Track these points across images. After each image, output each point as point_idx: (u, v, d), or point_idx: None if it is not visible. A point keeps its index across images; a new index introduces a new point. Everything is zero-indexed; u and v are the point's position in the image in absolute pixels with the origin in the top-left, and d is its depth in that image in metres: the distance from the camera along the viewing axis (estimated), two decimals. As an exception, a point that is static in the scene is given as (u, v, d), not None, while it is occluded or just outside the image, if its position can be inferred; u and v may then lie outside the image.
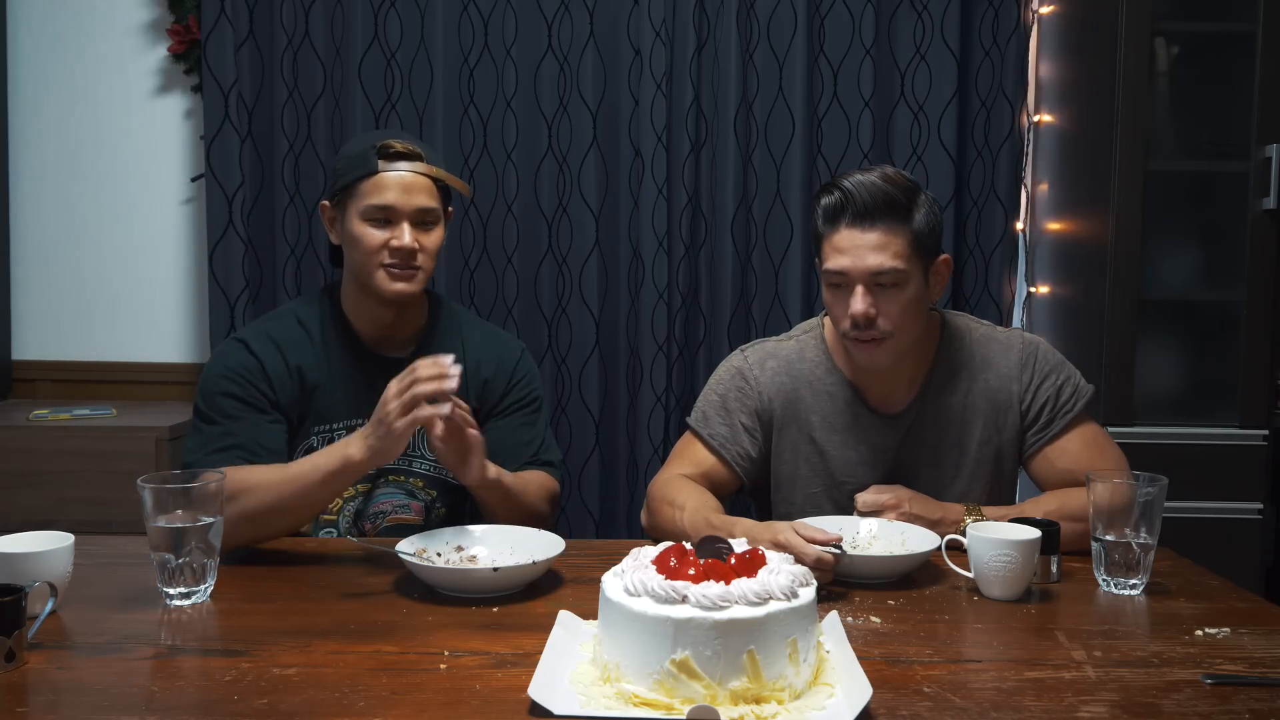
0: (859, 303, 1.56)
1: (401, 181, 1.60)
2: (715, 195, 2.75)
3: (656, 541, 1.43)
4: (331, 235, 1.69)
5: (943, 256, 1.65)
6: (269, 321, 1.70)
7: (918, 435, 1.71)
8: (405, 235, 1.60)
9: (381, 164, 1.60)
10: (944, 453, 1.71)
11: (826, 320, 1.76)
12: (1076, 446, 1.67)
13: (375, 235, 1.60)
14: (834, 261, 1.58)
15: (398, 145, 1.61)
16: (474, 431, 1.51)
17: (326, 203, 1.69)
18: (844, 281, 1.59)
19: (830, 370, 1.74)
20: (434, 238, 1.64)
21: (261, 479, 1.49)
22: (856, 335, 1.60)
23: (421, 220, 1.62)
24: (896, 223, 1.57)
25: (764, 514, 1.83)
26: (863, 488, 1.65)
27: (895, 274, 1.56)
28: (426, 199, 1.62)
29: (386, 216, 1.60)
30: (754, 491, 1.83)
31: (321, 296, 1.73)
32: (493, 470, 1.56)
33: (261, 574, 1.47)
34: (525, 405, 1.76)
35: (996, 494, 1.73)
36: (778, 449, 1.75)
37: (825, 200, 1.61)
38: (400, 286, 1.62)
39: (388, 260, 1.61)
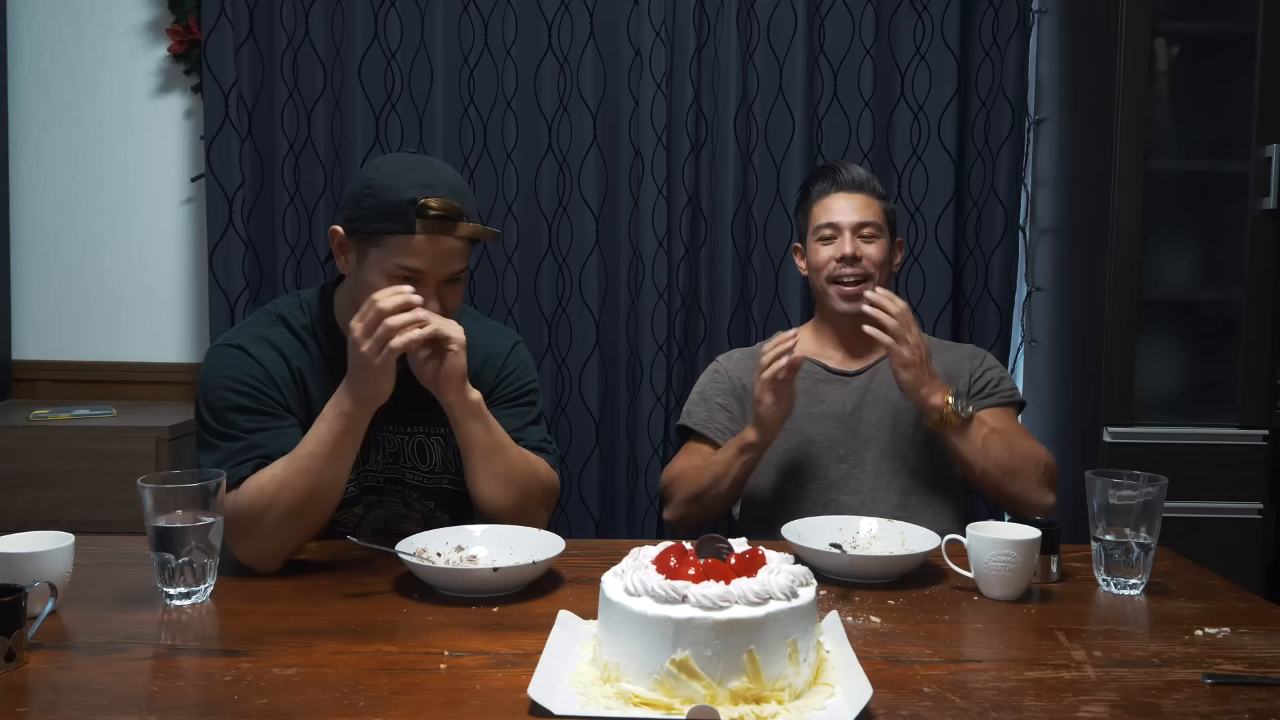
0: (848, 245, 1.92)
1: (438, 248, 1.47)
2: (715, 195, 2.75)
3: (683, 525, 1.93)
4: (339, 262, 1.57)
5: (899, 239, 2.04)
6: (259, 326, 1.60)
7: (878, 393, 1.96)
8: (432, 304, 1.48)
9: (420, 225, 1.46)
10: (903, 411, 1.93)
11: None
12: (1005, 418, 1.92)
13: None
14: (827, 217, 1.96)
15: (439, 206, 1.46)
16: (454, 338, 1.47)
17: (339, 230, 1.54)
18: (834, 232, 1.94)
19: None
20: (459, 293, 1.55)
21: (282, 479, 1.44)
22: (841, 274, 1.93)
23: (449, 280, 1.52)
24: (874, 195, 1.98)
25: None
26: (830, 440, 1.94)
27: (875, 227, 1.95)
28: (459, 262, 1.51)
29: (414, 278, 1.48)
30: None
31: (309, 304, 1.64)
32: (475, 394, 1.52)
33: (262, 574, 1.46)
34: (517, 399, 1.69)
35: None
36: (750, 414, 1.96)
37: (819, 181, 2.01)
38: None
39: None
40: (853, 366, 2.00)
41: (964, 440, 1.80)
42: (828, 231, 1.94)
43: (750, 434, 1.83)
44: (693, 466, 1.93)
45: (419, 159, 1.54)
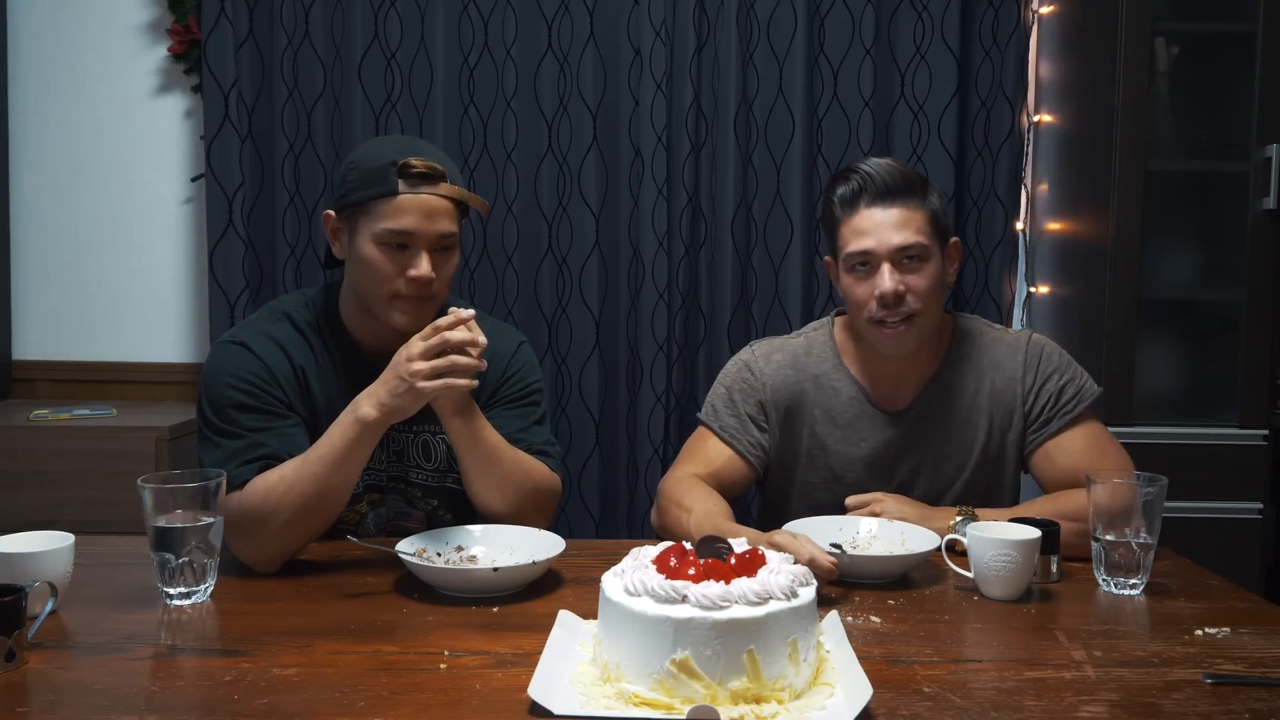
0: (888, 280, 1.57)
1: (424, 206, 1.48)
2: (715, 195, 2.75)
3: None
4: (334, 248, 1.57)
5: (954, 239, 1.69)
6: (264, 323, 1.59)
7: (922, 434, 1.71)
8: (424, 265, 1.48)
9: (403, 185, 1.47)
10: (947, 453, 1.72)
11: (837, 321, 1.79)
12: (1078, 445, 1.66)
13: (389, 263, 1.49)
14: (858, 243, 1.59)
15: (420, 164, 1.48)
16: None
17: (331, 213, 1.55)
18: (869, 260, 1.59)
19: (837, 367, 1.75)
20: (451, 264, 1.54)
21: (291, 482, 1.43)
22: (885, 316, 1.60)
23: (440, 245, 1.51)
24: (915, 200, 1.60)
25: (767, 503, 1.84)
26: (861, 483, 1.69)
27: (920, 249, 1.58)
28: (448, 223, 1.51)
29: (404, 242, 1.49)
30: (765, 484, 1.83)
31: (314, 302, 1.63)
32: (477, 414, 1.52)
33: (262, 574, 1.46)
34: (521, 399, 1.68)
35: (997, 496, 1.73)
36: (782, 437, 1.76)
37: (842, 187, 1.63)
38: (409, 321, 1.51)
39: (402, 290, 1.50)
40: (901, 403, 1.71)
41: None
42: (861, 259, 1.60)
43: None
44: (686, 507, 1.59)
45: (402, 135, 1.53)
